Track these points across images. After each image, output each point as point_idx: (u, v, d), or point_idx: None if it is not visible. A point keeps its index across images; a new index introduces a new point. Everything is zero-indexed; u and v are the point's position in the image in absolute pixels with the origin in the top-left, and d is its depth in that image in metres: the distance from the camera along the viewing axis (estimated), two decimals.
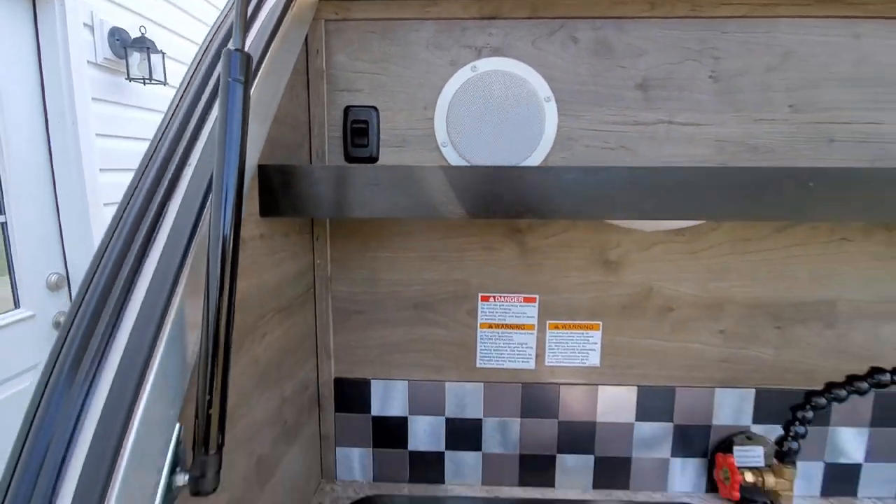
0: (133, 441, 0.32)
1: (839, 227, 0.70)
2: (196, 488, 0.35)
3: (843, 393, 0.62)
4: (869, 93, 0.67)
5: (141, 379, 0.33)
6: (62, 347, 0.35)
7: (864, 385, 0.61)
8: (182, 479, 0.36)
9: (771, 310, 0.72)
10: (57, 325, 1.46)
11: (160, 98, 1.79)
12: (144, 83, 1.63)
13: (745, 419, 0.75)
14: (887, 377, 0.61)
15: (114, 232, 0.39)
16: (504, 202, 0.52)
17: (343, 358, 0.76)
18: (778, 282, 0.71)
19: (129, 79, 1.59)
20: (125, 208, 0.40)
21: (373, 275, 0.73)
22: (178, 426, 0.36)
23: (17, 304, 1.37)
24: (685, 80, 0.67)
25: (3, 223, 1.30)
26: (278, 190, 0.54)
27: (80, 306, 0.37)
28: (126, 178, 1.68)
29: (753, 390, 0.74)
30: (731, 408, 0.74)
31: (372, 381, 0.76)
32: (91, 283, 0.37)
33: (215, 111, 0.44)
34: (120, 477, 0.31)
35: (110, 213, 1.59)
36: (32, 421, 0.32)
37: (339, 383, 0.76)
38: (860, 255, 0.70)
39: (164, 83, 1.66)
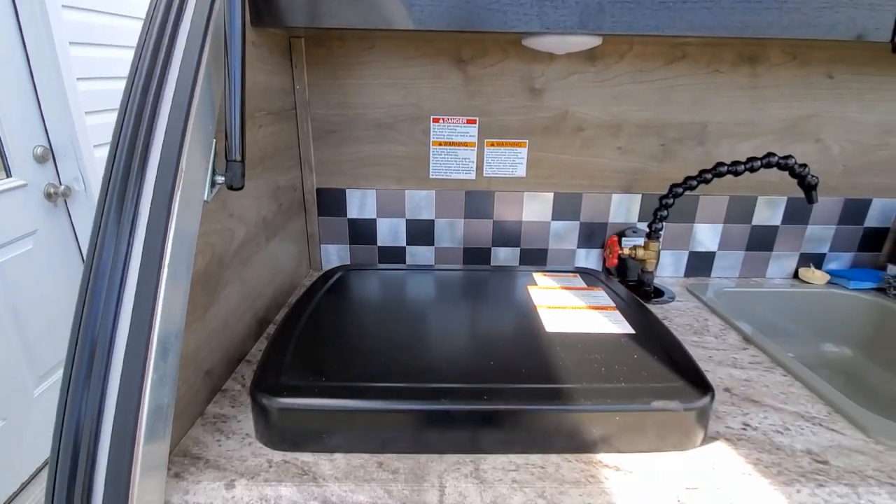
0: (189, 142, 0.50)
1: (714, 60, 0.88)
2: (230, 182, 0.54)
3: (694, 182, 0.85)
4: None
5: (189, 100, 0.50)
6: (128, 103, 0.51)
7: (709, 175, 0.84)
8: (220, 178, 0.55)
9: (657, 130, 0.93)
10: (48, 195, 1.58)
11: None
12: None
13: (633, 217, 0.99)
14: (724, 168, 0.83)
15: (148, 28, 0.53)
16: (442, 15, 0.67)
17: (322, 171, 0.94)
18: (664, 106, 0.91)
19: None
20: (153, 9, 0.54)
21: (343, 99, 0.89)
22: (213, 141, 0.54)
23: (8, 174, 1.47)
24: None
25: None
26: (261, 3, 0.67)
27: (133, 79, 0.52)
28: (96, 53, 1.71)
29: (640, 195, 0.97)
30: (623, 209, 0.98)
31: (347, 191, 0.95)
32: (138, 65, 0.52)
33: None
34: (184, 164, 0.49)
35: (85, 87, 1.65)
36: (121, 126, 0.49)
37: (320, 192, 0.95)
38: (727, 85, 0.90)
39: None
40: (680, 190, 0.86)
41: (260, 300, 0.74)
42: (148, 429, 0.42)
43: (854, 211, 0.99)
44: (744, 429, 0.56)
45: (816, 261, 1.02)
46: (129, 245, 0.45)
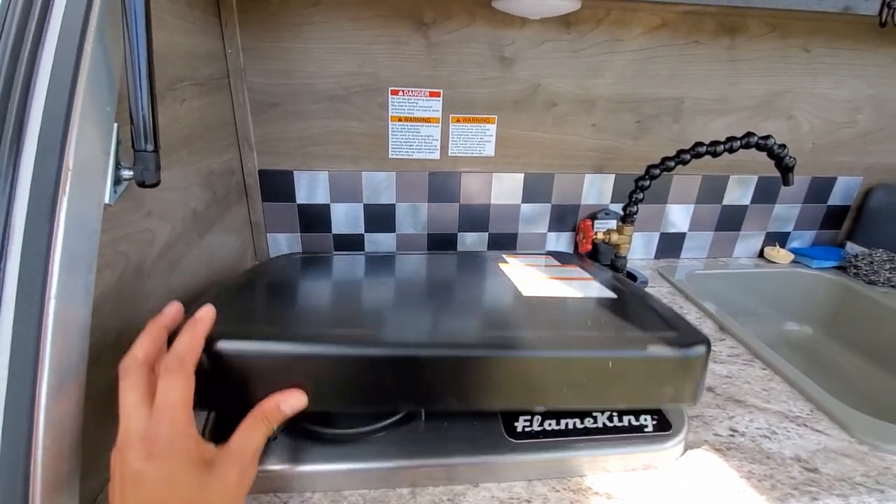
0: (78, 127, 0.38)
1: (694, 31, 0.82)
2: (142, 178, 0.43)
3: (671, 163, 0.80)
4: None
5: (75, 71, 0.38)
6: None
7: (687, 156, 0.79)
8: (127, 173, 0.43)
9: (633, 105, 0.87)
10: None
11: None
12: None
13: (606, 199, 0.94)
14: (703, 148, 0.79)
15: None
16: None
17: (265, 150, 0.82)
18: (640, 80, 0.85)
19: None
20: None
21: (286, 66, 0.77)
22: (115, 125, 0.42)
23: None
24: None
25: None
26: None
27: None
28: None
29: (614, 175, 0.92)
30: (596, 190, 0.92)
31: (294, 173, 0.84)
32: (4, 23, 0.39)
33: None
34: (71, 158, 0.38)
35: None
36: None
37: (264, 175, 0.84)
38: (706, 58, 0.85)
39: None
40: (657, 171, 0.81)
41: (196, 307, 0.64)
42: None
43: (819, 189, 0.98)
44: (732, 435, 0.53)
45: (781, 239, 1.02)
46: (1, 269, 0.34)
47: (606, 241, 0.88)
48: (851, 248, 0.99)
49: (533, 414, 0.50)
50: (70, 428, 0.36)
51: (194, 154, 0.64)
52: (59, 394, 0.35)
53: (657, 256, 1.00)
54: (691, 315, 0.78)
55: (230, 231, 0.77)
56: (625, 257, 0.89)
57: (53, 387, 0.34)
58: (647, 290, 0.87)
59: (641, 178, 0.83)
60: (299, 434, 0.47)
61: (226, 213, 0.75)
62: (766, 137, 0.77)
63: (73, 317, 0.36)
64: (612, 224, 0.93)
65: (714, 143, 0.78)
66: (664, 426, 0.50)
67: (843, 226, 1.03)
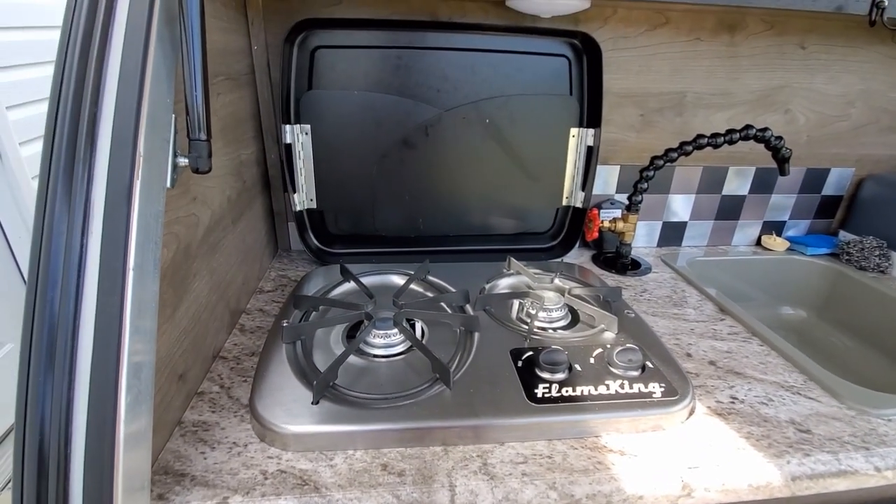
0: (146, 120, 0.42)
1: (696, 28, 0.87)
2: (196, 165, 0.47)
3: (674, 155, 0.85)
4: None
5: (142, 69, 0.42)
6: (64, 74, 0.42)
7: (689, 147, 0.84)
8: (183, 160, 0.48)
9: (637, 100, 0.91)
10: None
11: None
12: None
13: (611, 189, 0.98)
14: (705, 140, 0.83)
15: None
16: None
17: None
18: (645, 75, 0.89)
19: None
20: None
21: None
22: (173, 117, 0.46)
23: None
24: None
25: None
26: None
27: (67, 45, 0.42)
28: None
29: (619, 166, 0.96)
30: (602, 180, 0.97)
31: None
32: (72, 27, 0.43)
33: None
34: (142, 147, 0.42)
35: None
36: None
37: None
38: (707, 53, 0.89)
39: None
40: (661, 162, 0.86)
41: (231, 288, 0.68)
42: (127, 451, 0.38)
43: (814, 180, 1.03)
44: (732, 402, 0.58)
45: (777, 228, 1.07)
46: (83, 247, 0.39)
47: (612, 229, 0.92)
48: (844, 235, 1.04)
49: (551, 383, 0.55)
50: (146, 383, 0.40)
51: (228, 145, 0.68)
52: (138, 364, 0.39)
53: (660, 244, 1.05)
54: (693, 298, 0.83)
55: (257, 219, 0.81)
56: (629, 244, 0.94)
57: (132, 355, 0.38)
58: (651, 276, 0.91)
59: (646, 168, 0.87)
60: (340, 400, 0.51)
61: (253, 201, 0.79)
62: (764, 129, 0.81)
63: (147, 283, 0.40)
64: (618, 213, 0.98)
65: (715, 135, 0.83)
66: (671, 393, 0.54)
67: (837, 215, 1.08)
